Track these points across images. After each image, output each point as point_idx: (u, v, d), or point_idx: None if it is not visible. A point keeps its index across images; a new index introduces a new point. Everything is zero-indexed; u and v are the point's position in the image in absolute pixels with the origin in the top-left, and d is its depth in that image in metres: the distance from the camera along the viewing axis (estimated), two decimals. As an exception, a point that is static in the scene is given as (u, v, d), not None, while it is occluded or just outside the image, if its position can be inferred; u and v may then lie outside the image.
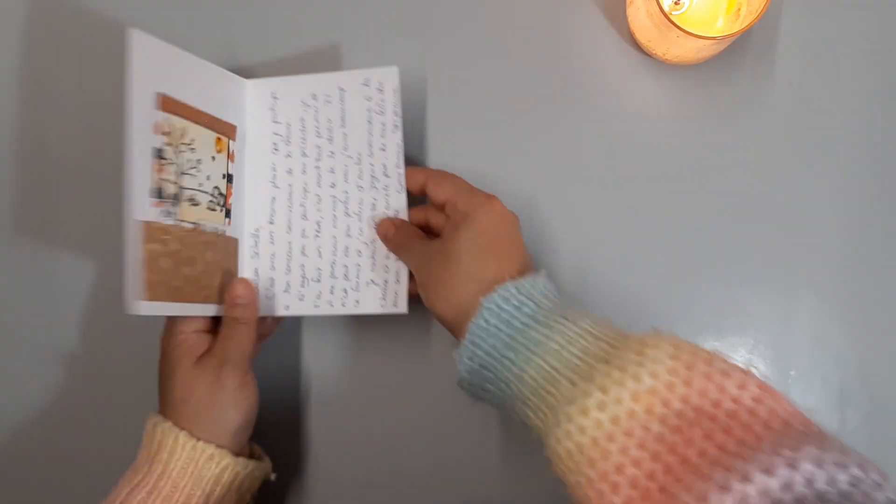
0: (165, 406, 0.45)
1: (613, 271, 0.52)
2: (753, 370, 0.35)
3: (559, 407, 0.35)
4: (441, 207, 0.46)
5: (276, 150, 0.50)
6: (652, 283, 0.52)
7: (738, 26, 0.47)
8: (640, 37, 0.51)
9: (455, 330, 0.42)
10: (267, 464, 0.48)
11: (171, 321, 0.46)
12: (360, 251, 0.48)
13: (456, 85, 0.53)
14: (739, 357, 0.51)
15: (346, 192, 0.49)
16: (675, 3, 0.50)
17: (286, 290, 0.49)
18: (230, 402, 0.44)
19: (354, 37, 0.53)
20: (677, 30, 0.44)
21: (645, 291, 0.52)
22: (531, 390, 0.37)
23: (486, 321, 0.40)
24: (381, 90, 0.48)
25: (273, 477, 0.48)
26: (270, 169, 0.50)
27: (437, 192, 0.45)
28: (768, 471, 0.29)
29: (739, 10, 0.48)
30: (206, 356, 0.45)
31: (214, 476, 0.43)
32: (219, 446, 0.43)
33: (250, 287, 0.47)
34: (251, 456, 0.47)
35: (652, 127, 0.52)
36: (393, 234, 0.47)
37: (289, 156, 0.49)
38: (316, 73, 0.49)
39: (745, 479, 0.29)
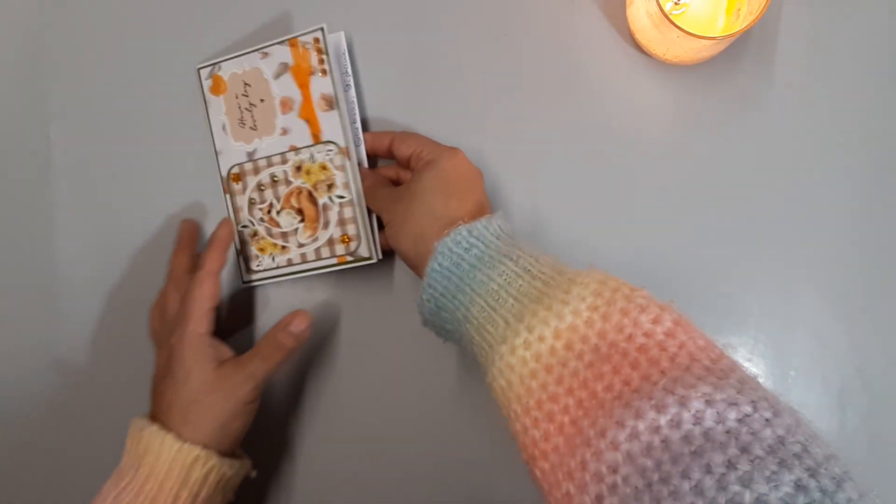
0: (165, 406, 0.44)
1: (613, 271, 0.52)
2: (673, 304, 0.36)
3: (495, 346, 0.37)
4: (407, 164, 0.48)
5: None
6: (652, 283, 0.52)
7: (737, 26, 0.47)
8: (640, 37, 0.51)
9: (418, 270, 0.44)
10: (248, 462, 0.48)
11: (185, 320, 0.46)
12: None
13: (455, 85, 0.53)
14: (739, 357, 0.51)
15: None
16: (676, 4, 0.50)
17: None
18: (240, 412, 0.45)
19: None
20: (677, 30, 0.44)
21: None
22: (475, 329, 0.39)
23: (440, 264, 0.41)
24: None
25: (254, 474, 0.48)
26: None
27: (402, 149, 0.48)
28: (660, 408, 0.30)
29: (739, 10, 0.48)
30: (232, 365, 0.45)
31: (201, 477, 0.43)
32: (205, 447, 0.43)
33: (310, 322, 0.47)
34: (234, 455, 0.47)
35: (652, 127, 0.52)
36: (364, 180, 0.49)
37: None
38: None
39: (639, 415, 0.30)
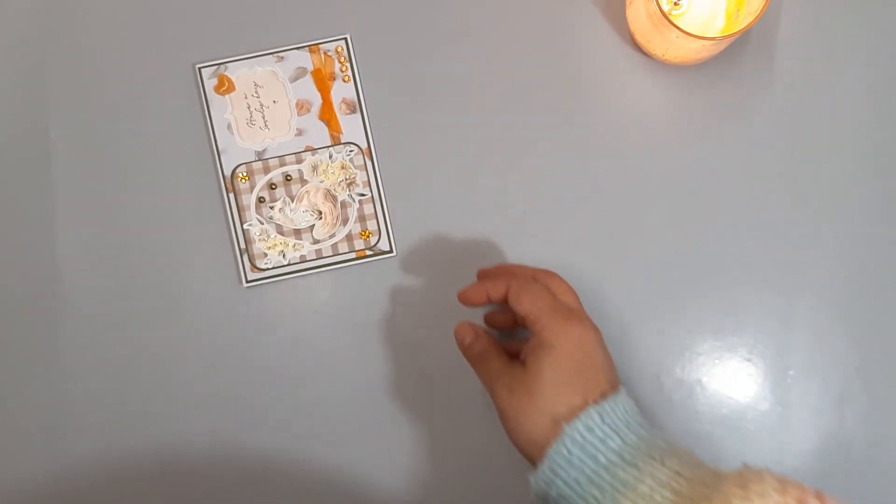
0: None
1: (613, 271, 0.52)
2: None
3: None
4: (521, 320, 0.45)
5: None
6: (652, 284, 0.52)
7: (737, 27, 0.47)
8: (640, 37, 0.51)
9: (531, 454, 0.41)
10: None
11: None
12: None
13: (455, 84, 0.53)
14: (739, 357, 0.51)
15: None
16: (675, 4, 0.50)
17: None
18: None
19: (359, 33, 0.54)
20: (677, 30, 0.45)
21: (644, 292, 0.52)
22: None
23: (569, 451, 0.39)
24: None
25: None
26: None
27: (517, 305, 0.44)
28: None
29: (739, 10, 0.49)
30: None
31: None
32: None
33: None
34: None
35: (651, 127, 0.52)
36: (471, 342, 0.47)
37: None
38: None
39: None
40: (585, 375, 0.42)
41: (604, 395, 0.41)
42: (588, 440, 0.39)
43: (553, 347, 0.42)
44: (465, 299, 0.47)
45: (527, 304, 0.43)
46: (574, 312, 0.44)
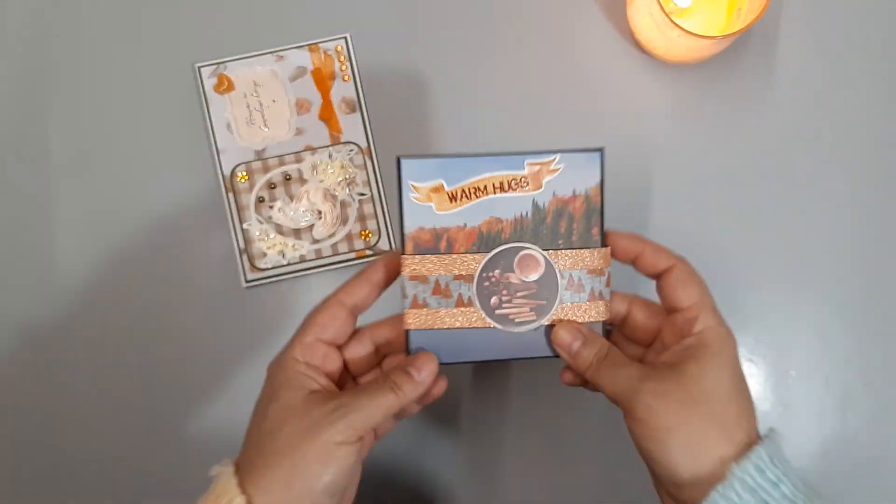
0: (246, 444, 0.37)
1: (613, 272, 0.52)
2: None
3: None
4: (670, 308, 0.38)
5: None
6: (651, 283, 0.52)
7: (738, 26, 0.47)
8: (641, 36, 0.51)
9: (675, 484, 0.35)
10: None
11: (288, 344, 0.38)
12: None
13: (456, 84, 0.53)
14: (741, 356, 0.51)
15: None
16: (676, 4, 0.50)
17: None
18: (326, 456, 0.34)
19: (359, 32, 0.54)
20: (678, 29, 0.44)
21: (644, 291, 0.52)
22: None
23: (739, 496, 0.33)
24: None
25: None
26: None
27: (679, 296, 0.37)
28: None
29: (740, 9, 0.49)
30: (323, 394, 0.36)
31: None
32: None
33: (435, 368, 0.38)
34: None
35: (652, 126, 0.52)
36: (581, 348, 0.38)
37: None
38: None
39: None
40: (743, 396, 0.36)
41: (754, 427, 0.36)
42: (759, 483, 0.33)
43: (719, 354, 0.36)
44: (618, 245, 0.38)
45: (696, 293, 0.37)
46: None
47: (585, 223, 0.39)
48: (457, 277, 0.38)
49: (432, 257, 0.38)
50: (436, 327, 0.38)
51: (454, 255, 0.38)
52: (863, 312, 0.51)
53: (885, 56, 0.52)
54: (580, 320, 0.38)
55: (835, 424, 0.51)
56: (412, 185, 0.38)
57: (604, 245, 0.39)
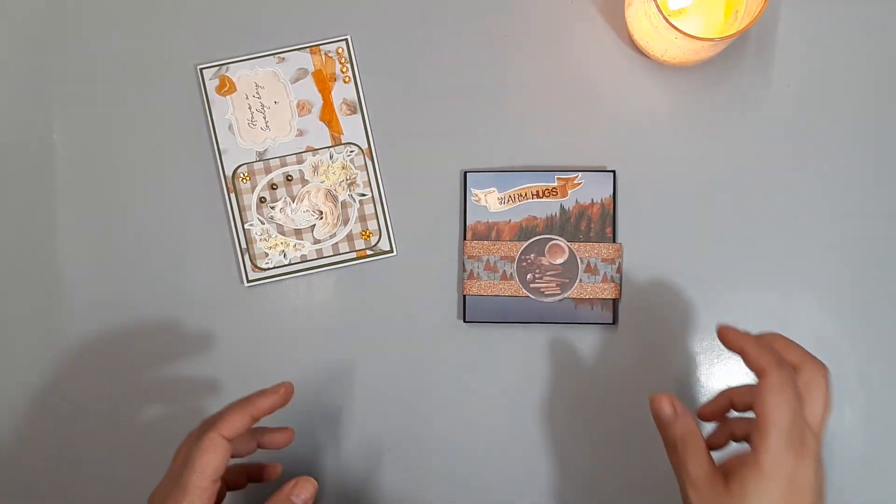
0: None
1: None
2: None
3: None
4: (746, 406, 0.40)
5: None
6: (651, 283, 0.52)
7: (735, 28, 0.47)
8: (639, 38, 0.51)
9: None
10: None
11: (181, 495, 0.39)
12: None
13: (455, 85, 0.53)
14: (738, 356, 0.52)
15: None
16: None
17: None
18: None
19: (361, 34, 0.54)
20: (676, 31, 0.45)
21: (644, 292, 0.52)
22: None
23: None
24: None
25: None
26: None
27: (758, 407, 0.37)
28: None
29: (737, 11, 0.49)
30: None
31: None
32: None
33: (314, 491, 0.42)
34: None
35: (650, 128, 0.53)
36: (672, 420, 0.39)
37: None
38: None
39: None
40: None
41: None
42: None
43: (765, 479, 0.36)
44: (724, 338, 0.40)
45: (776, 412, 0.36)
46: (808, 440, 0.37)
47: (601, 223, 0.51)
48: (502, 258, 0.51)
49: (486, 242, 0.52)
50: (484, 293, 0.51)
51: (501, 242, 0.52)
52: (859, 312, 0.51)
53: (883, 57, 0.52)
54: (594, 297, 0.51)
55: (832, 422, 0.51)
56: (473, 191, 0.52)
57: (614, 241, 0.51)
